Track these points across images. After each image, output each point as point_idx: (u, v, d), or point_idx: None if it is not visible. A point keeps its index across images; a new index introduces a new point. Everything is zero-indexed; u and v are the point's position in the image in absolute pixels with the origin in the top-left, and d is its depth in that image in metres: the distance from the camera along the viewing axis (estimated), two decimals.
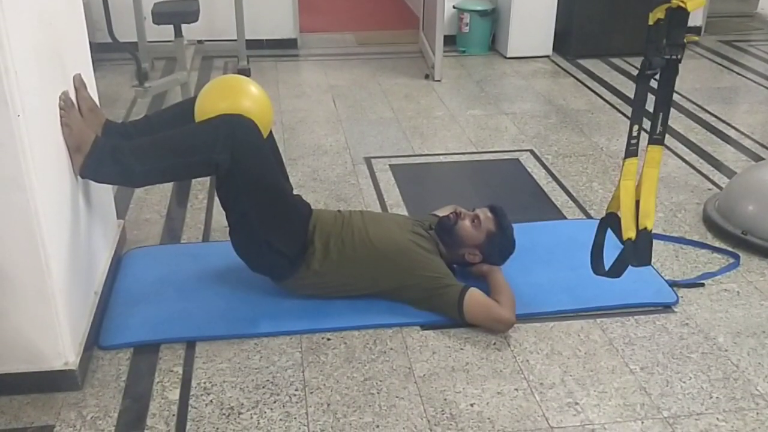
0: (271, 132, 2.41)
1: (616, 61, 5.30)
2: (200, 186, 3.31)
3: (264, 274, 2.43)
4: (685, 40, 1.99)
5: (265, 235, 2.30)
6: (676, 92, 2.07)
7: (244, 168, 2.19)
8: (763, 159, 3.63)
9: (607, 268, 2.19)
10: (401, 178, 3.43)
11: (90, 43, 2.50)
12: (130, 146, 2.21)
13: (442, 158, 3.69)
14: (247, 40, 5.03)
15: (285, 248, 2.34)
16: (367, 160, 3.62)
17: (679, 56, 1.97)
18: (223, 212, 2.35)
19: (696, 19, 5.79)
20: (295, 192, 2.50)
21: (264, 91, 2.34)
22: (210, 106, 2.25)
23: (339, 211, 2.56)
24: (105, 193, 2.59)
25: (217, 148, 2.15)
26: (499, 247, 2.50)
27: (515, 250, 2.53)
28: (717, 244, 2.86)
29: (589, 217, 3.06)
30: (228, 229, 2.37)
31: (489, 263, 2.50)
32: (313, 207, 2.55)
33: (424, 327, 2.34)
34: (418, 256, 2.38)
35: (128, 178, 2.25)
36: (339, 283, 2.40)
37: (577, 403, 2.04)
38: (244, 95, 2.28)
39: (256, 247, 2.34)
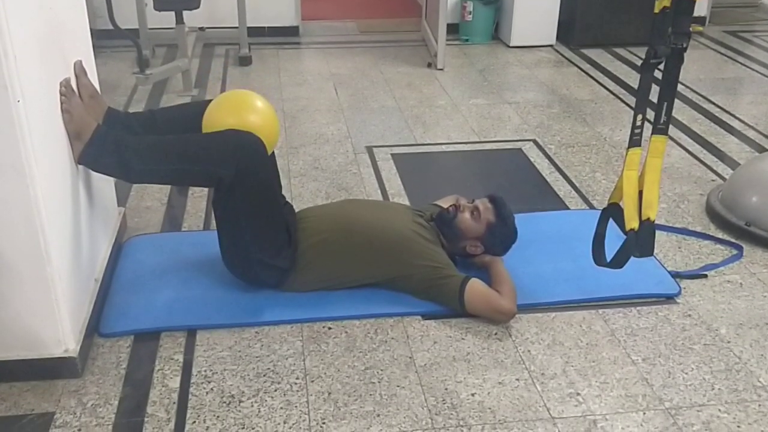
0: None
1: (620, 50, 5.27)
2: None
3: (259, 287, 2.41)
4: (690, 29, 1.97)
5: (257, 253, 2.29)
6: (680, 83, 2.06)
7: (246, 185, 2.18)
8: (767, 150, 3.61)
9: (609, 258, 2.18)
10: (403, 167, 3.41)
11: (91, 29, 2.48)
12: (134, 142, 2.20)
13: (444, 147, 3.68)
14: (248, 27, 5.00)
15: (276, 262, 2.33)
16: (369, 149, 3.61)
17: (684, 45, 1.95)
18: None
19: (700, 10, 5.76)
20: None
21: (272, 108, 2.33)
22: (218, 119, 2.24)
23: (332, 202, 2.54)
24: (106, 180, 2.58)
25: (223, 163, 2.14)
26: (500, 237, 2.49)
27: (517, 239, 2.52)
28: (720, 235, 2.84)
29: (591, 207, 3.05)
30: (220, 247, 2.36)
31: (491, 254, 2.49)
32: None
33: (425, 317, 2.34)
34: (419, 246, 2.37)
35: (126, 173, 2.23)
36: (340, 275, 2.39)
37: (578, 394, 2.03)
38: (253, 112, 2.27)
39: (247, 265, 2.33)
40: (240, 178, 2.15)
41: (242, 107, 2.28)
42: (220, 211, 2.29)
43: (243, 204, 2.21)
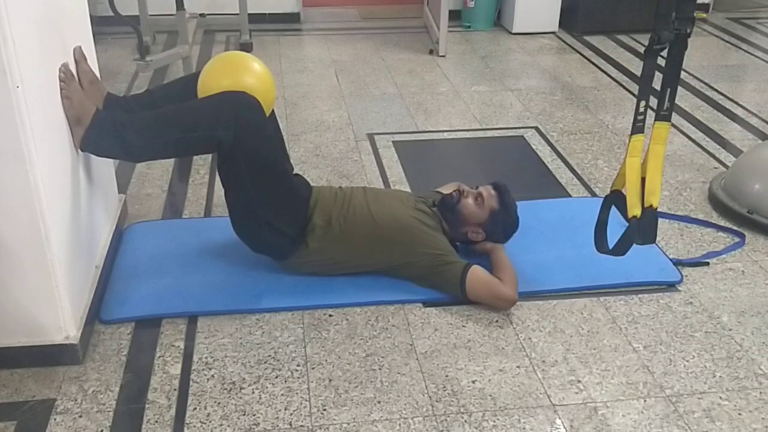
0: (273, 111, 2.39)
1: (623, 37, 5.24)
2: (202, 161, 3.29)
3: (265, 254, 2.41)
4: (694, 15, 1.96)
5: (266, 215, 2.28)
6: (684, 70, 2.04)
7: (246, 146, 2.17)
8: None
9: (611, 246, 2.17)
10: (404, 154, 3.40)
11: (91, 16, 2.47)
12: (131, 120, 2.19)
13: (445, 135, 3.67)
14: (249, 14, 4.97)
15: (286, 227, 2.32)
16: (370, 137, 3.59)
17: (688, 30, 1.94)
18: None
19: None
20: (297, 168, 2.49)
21: (267, 68, 2.31)
22: (213, 82, 2.23)
23: (340, 187, 2.54)
24: (106, 167, 2.58)
25: (220, 125, 2.13)
26: (503, 225, 2.48)
27: (519, 228, 2.51)
28: (722, 223, 2.84)
29: (593, 195, 3.04)
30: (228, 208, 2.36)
31: (492, 241, 2.48)
32: (315, 183, 2.53)
33: (426, 304, 2.33)
34: (420, 233, 2.37)
35: (128, 153, 2.23)
36: (341, 260, 2.39)
37: (579, 381, 2.03)
38: (247, 72, 2.26)
39: (256, 227, 2.32)
40: (239, 139, 2.14)
41: (236, 68, 2.27)
42: (225, 175, 2.28)
43: (246, 165, 2.20)
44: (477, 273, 2.29)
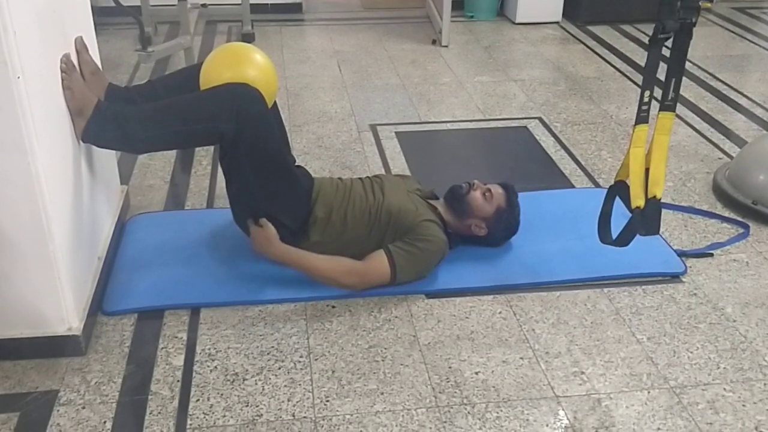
0: (275, 103, 2.38)
1: (627, 27, 5.22)
2: (204, 152, 3.28)
3: None
4: (700, 4, 1.94)
5: (267, 207, 2.28)
6: (688, 60, 2.03)
7: (248, 138, 2.16)
8: None
9: (615, 237, 2.16)
10: (407, 145, 3.39)
11: (92, 6, 2.46)
12: (133, 112, 2.18)
13: (449, 126, 3.65)
14: (251, 4, 4.96)
15: (287, 220, 2.32)
16: (373, 127, 3.58)
17: (693, 19, 1.92)
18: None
19: None
20: (299, 159, 2.48)
21: (270, 60, 2.30)
22: (215, 74, 2.22)
23: (340, 179, 2.54)
24: (108, 158, 2.57)
25: (222, 117, 2.12)
26: (506, 224, 2.48)
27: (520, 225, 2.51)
28: (726, 213, 2.82)
29: (597, 185, 3.03)
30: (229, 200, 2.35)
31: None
32: (317, 175, 2.52)
33: (429, 295, 2.33)
34: (416, 224, 2.35)
35: (130, 144, 2.22)
36: (341, 253, 2.37)
37: (582, 373, 2.03)
38: (249, 64, 2.25)
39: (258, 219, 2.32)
40: (241, 131, 2.13)
41: (238, 60, 2.26)
42: (227, 166, 2.28)
43: (247, 156, 2.19)
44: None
